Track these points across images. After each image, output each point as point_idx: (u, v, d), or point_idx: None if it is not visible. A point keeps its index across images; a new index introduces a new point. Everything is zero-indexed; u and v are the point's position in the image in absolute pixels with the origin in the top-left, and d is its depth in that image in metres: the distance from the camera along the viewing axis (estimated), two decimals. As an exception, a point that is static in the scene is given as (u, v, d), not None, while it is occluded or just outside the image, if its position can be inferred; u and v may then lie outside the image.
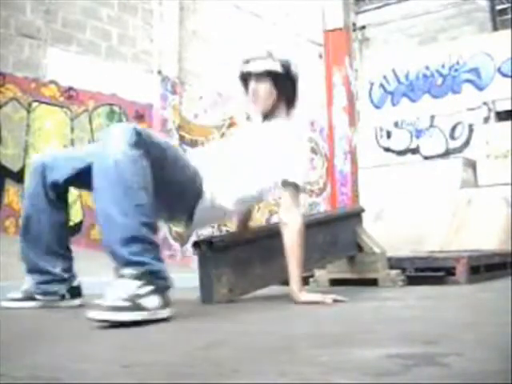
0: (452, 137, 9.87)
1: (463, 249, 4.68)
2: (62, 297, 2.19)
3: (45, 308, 2.11)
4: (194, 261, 5.83)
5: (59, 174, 2.09)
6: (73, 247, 2.27)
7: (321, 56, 7.55)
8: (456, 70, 9.93)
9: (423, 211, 6.78)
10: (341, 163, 5.87)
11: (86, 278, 2.38)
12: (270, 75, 2.27)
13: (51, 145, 5.83)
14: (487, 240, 5.76)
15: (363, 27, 11.09)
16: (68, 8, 6.17)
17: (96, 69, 6.38)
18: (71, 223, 2.28)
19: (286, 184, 2.15)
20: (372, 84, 10.68)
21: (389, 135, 10.45)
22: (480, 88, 9.66)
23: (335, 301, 2.05)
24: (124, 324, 1.49)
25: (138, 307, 1.54)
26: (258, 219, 7.86)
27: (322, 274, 3.07)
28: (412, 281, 2.90)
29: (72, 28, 6.21)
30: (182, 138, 7.28)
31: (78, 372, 0.98)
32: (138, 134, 1.76)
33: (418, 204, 6.93)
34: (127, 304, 1.51)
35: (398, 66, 10.46)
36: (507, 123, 8.20)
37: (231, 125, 7.91)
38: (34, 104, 5.82)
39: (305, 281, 2.39)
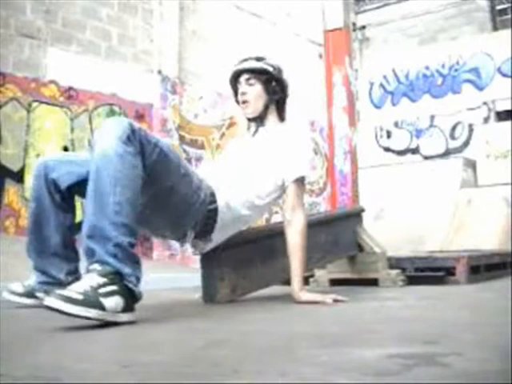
0: (452, 137, 9.88)
1: (463, 249, 4.69)
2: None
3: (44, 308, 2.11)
4: (194, 261, 5.83)
5: (61, 180, 2.06)
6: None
7: (321, 56, 7.55)
8: (456, 70, 9.94)
9: (423, 211, 6.78)
10: (341, 163, 5.86)
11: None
12: (261, 79, 2.28)
13: (51, 145, 5.84)
14: (487, 240, 5.77)
15: (363, 27, 11.10)
16: (68, 8, 6.18)
17: (96, 69, 6.39)
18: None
19: (292, 181, 2.16)
20: (372, 84, 10.69)
21: (389, 135, 10.45)
22: (480, 88, 9.67)
23: (335, 301, 2.05)
24: (77, 328, 1.45)
25: (92, 303, 1.48)
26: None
27: (322, 274, 3.07)
28: (412, 281, 2.90)
29: (72, 28, 6.21)
30: (182, 138, 7.28)
31: (77, 372, 0.98)
32: (132, 130, 1.70)
33: (418, 204, 6.93)
34: (80, 297, 1.46)
35: (397, 65, 10.46)
36: (507, 123, 8.20)
37: (231, 125, 7.91)
38: (34, 104, 5.82)
39: (305, 281, 2.39)
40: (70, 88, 6.13)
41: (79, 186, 1.96)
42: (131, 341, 1.37)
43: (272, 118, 2.34)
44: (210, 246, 2.18)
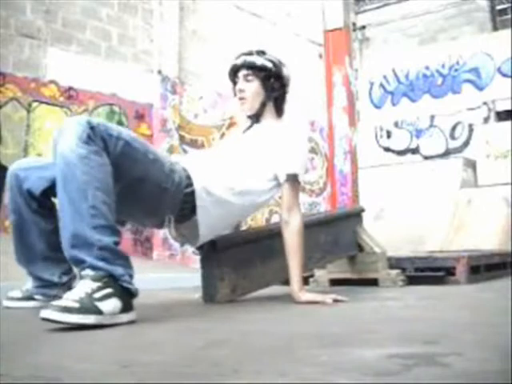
0: (452, 137, 9.88)
1: (463, 249, 4.69)
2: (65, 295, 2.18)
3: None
4: (194, 261, 5.82)
5: (34, 187, 2.01)
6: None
7: (321, 56, 7.55)
8: (456, 70, 9.94)
9: (423, 211, 6.79)
10: (341, 163, 5.86)
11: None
12: (259, 75, 2.25)
13: (51, 145, 5.83)
14: (487, 240, 5.77)
15: (363, 27, 11.10)
16: (68, 8, 6.18)
17: (96, 69, 6.39)
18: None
19: (284, 179, 2.15)
20: (372, 84, 10.69)
21: (389, 135, 10.45)
22: (480, 88, 9.67)
23: (335, 301, 2.05)
24: (76, 328, 1.44)
25: (89, 309, 1.48)
26: (259, 219, 7.86)
27: (322, 274, 3.07)
28: (412, 281, 2.90)
29: (72, 28, 6.21)
30: (182, 138, 7.28)
31: (78, 372, 0.98)
32: (92, 128, 1.64)
33: (418, 204, 6.94)
34: (76, 305, 1.45)
35: (397, 65, 10.46)
36: (507, 123, 8.21)
37: (231, 125, 7.91)
38: (34, 104, 5.82)
39: (305, 281, 2.39)
40: (70, 88, 6.13)
41: (52, 189, 1.89)
42: (131, 341, 1.37)
43: (269, 114, 2.31)
44: (201, 240, 2.12)
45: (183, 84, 7.38)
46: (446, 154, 9.69)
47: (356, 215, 3.03)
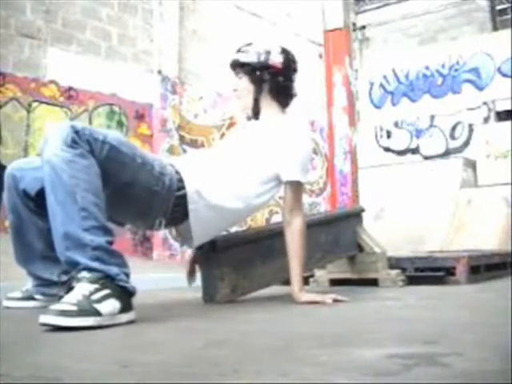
0: (452, 137, 9.88)
1: (463, 249, 4.69)
2: (62, 298, 2.18)
3: (45, 308, 2.11)
4: (194, 261, 5.76)
5: (29, 187, 2.02)
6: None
7: (321, 56, 7.55)
8: (456, 70, 9.94)
9: (423, 211, 6.79)
10: (341, 163, 5.86)
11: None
12: (246, 70, 2.21)
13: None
14: (487, 240, 5.77)
15: (363, 27, 11.11)
16: (68, 8, 6.18)
17: (96, 69, 6.39)
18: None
19: (287, 183, 2.13)
20: (372, 84, 10.69)
21: (389, 135, 10.46)
22: (480, 88, 9.67)
23: (335, 301, 2.05)
24: (75, 328, 1.44)
25: (88, 312, 1.48)
26: (259, 219, 7.86)
27: (322, 274, 3.07)
28: (412, 281, 2.90)
29: (72, 28, 6.22)
30: (182, 138, 7.28)
31: (77, 372, 0.98)
32: (76, 132, 1.64)
33: (418, 204, 6.93)
34: (74, 308, 1.46)
35: (397, 65, 10.46)
36: (507, 123, 8.21)
37: (231, 125, 7.91)
38: (34, 104, 5.82)
39: (305, 281, 2.38)
40: (70, 88, 6.13)
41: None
42: (131, 341, 1.37)
43: (267, 109, 2.24)
44: (195, 243, 2.10)
45: (183, 84, 7.38)
46: (446, 154, 9.70)
47: (356, 215, 3.03)
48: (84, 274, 1.58)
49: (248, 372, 0.93)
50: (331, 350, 1.11)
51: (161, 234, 6.51)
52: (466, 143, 9.65)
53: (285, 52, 2.27)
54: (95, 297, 1.52)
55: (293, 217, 2.10)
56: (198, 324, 1.65)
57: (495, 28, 10.02)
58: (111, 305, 1.55)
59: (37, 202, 2.03)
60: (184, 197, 1.97)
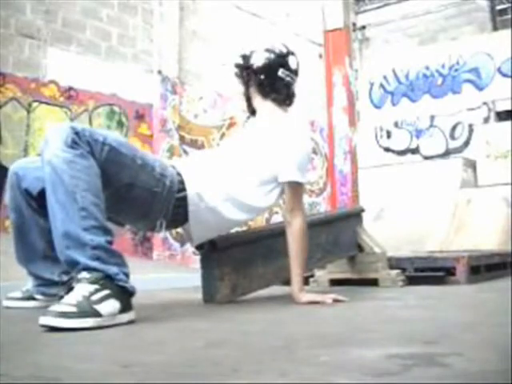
0: (452, 137, 9.88)
1: (463, 249, 4.69)
2: (62, 298, 2.18)
3: (45, 308, 2.11)
4: (193, 261, 5.82)
5: (31, 187, 2.03)
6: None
7: (321, 56, 7.55)
8: (456, 70, 9.94)
9: (423, 211, 6.79)
10: (341, 163, 5.87)
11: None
12: (236, 74, 2.29)
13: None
14: (487, 240, 5.77)
15: (363, 27, 11.11)
16: (68, 8, 6.18)
17: (96, 69, 6.39)
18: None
19: (285, 183, 2.13)
20: (372, 84, 10.69)
21: (389, 135, 10.46)
22: (480, 88, 9.67)
23: (335, 301, 2.05)
24: (75, 329, 1.44)
25: (87, 313, 1.48)
26: (259, 219, 7.86)
27: (322, 274, 3.07)
28: (412, 281, 2.90)
29: (72, 28, 6.22)
30: (182, 138, 7.28)
31: (77, 372, 0.98)
32: (76, 133, 1.66)
33: (418, 204, 6.93)
34: (74, 309, 1.46)
35: (398, 65, 10.47)
36: (507, 123, 8.21)
37: (231, 125, 7.91)
38: (34, 104, 5.82)
39: (305, 281, 2.38)
40: (70, 88, 6.13)
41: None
42: (131, 341, 1.37)
43: (262, 108, 2.28)
44: (195, 242, 2.12)
45: (183, 84, 7.39)
46: (446, 154, 9.70)
47: (356, 215, 3.03)
48: (84, 274, 1.58)
49: (248, 372, 0.93)
50: (331, 350, 1.11)
51: (161, 234, 6.51)
52: (466, 143, 9.65)
53: (270, 51, 2.28)
54: (95, 297, 1.52)
55: (293, 217, 2.10)
56: (198, 324, 1.65)
57: (495, 28, 10.02)
58: (111, 305, 1.55)
59: (39, 201, 2.03)
60: (185, 198, 1.98)
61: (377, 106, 10.64)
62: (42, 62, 5.90)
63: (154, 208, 1.94)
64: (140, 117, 6.89)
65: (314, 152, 9.08)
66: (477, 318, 1.62)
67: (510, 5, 9.89)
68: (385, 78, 10.59)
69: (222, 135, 7.84)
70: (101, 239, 1.63)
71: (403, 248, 4.75)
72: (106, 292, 1.55)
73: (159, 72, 7.07)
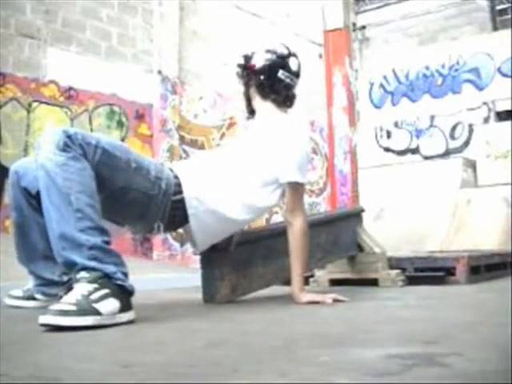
0: (452, 137, 9.88)
1: (463, 249, 4.68)
2: (62, 298, 2.18)
3: (45, 308, 2.11)
4: (193, 261, 5.82)
5: (30, 187, 2.03)
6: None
7: (321, 56, 7.55)
8: (456, 70, 9.94)
9: (423, 211, 6.78)
10: (341, 163, 5.87)
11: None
12: (237, 74, 2.31)
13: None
14: (487, 240, 5.77)
15: (363, 27, 11.11)
16: (68, 8, 6.18)
17: (96, 69, 6.39)
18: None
19: (287, 184, 2.13)
20: (372, 84, 10.69)
21: (389, 135, 10.46)
22: (480, 88, 9.67)
23: (335, 300, 2.05)
24: (75, 328, 1.44)
25: (87, 311, 1.49)
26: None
27: (321, 274, 3.07)
28: (412, 281, 2.90)
29: (72, 28, 6.22)
30: (182, 138, 7.28)
31: (77, 372, 0.98)
32: (68, 136, 1.66)
33: (418, 204, 6.93)
34: (74, 308, 1.47)
35: (398, 66, 10.47)
36: (507, 123, 8.20)
37: (231, 125, 7.91)
38: (34, 104, 5.82)
39: (305, 281, 2.38)
40: (70, 88, 6.13)
41: None
42: (131, 341, 1.37)
43: (261, 108, 2.28)
44: (200, 247, 2.11)
45: (183, 84, 7.39)
46: (446, 154, 9.70)
47: (356, 215, 3.03)
48: (83, 274, 1.59)
49: (248, 372, 0.93)
50: (331, 350, 1.11)
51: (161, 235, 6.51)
52: (466, 143, 9.65)
53: (270, 52, 2.29)
54: (94, 296, 1.53)
55: (294, 217, 2.10)
56: (198, 324, 1.65)
57: (495, 28, 10.02)
58: (111, 304, 1.55)
59: (38, 200, 2.04)
60: (182, 201, 1.97)
61: (377, 106, 10.64)
62: (42, 62, 5.90)
63: (150, 211, 1.93)
64: (140, 117, 6.89)
65: (314, 152, 9.08)
66: (477, 318, 1.62)
67: (510, 5, 9.89)
68: (385, 78, 10.59)
69: (222, 135, 7.84)
70: (97, 239, 1.63)
71: (403, 248, 4.75)
72: (105, 291, 1.56)
73: (159, 72, 7.07)
